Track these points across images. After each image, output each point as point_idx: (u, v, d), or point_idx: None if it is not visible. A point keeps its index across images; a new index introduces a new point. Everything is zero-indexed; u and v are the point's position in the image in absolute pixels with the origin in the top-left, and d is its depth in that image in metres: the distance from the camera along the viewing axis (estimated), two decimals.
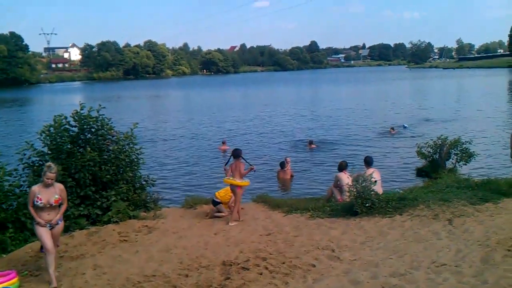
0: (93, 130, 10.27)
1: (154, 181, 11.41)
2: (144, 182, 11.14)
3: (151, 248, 8.45)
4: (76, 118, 10.12)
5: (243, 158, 10.43)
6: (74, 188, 9.50)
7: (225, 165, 10.69)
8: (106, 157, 10.18)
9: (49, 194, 6.93)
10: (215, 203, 11.12)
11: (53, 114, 10.29)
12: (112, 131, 10.49)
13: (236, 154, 10.38)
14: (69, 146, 9.89)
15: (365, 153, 15.60)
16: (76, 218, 9.51)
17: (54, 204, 6.97)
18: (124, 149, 10.51)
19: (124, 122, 24.22)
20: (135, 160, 10.79)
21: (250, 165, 10.47)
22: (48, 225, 6.96)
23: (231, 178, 10.31)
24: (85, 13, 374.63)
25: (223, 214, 10.99)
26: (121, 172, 10.43)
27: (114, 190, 10.07)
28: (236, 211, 10.35)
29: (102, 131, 10.29)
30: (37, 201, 6.85)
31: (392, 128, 25.54)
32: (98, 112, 10.35)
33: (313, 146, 21.65)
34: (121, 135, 10.64)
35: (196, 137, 26.32)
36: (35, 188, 6.98)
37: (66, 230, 9.08)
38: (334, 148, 21.47)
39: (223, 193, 11.17)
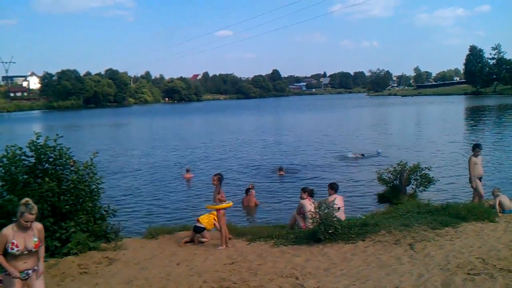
0: (50, 159, 10.04)
1: (115, 211, 11.18)
2: (104, 212, 10.90)
3: (111, 280, 8.24)
4: (32, 148, 9.89)
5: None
6: None
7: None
8: (65, 187, 9.95)
9: (27, 237, 5.71)
10: (199, 229, 11.02)
11: (5, 144, 10.05)
12: (71, 160, 10.29)
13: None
14: (25, 177, 9.63)
15: (330, 180, 15.74)
16: None
17: (33, 250, 5.77)
18: (84, 179, 10.30)
19: (84, 151, 23.82)
20: (95, 189, 10.58)
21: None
22: (23, 274, 5.76)
23: (213, 204, 10.40)
24: (45, 41, 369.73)
25: (205, 239, 10.94)
26: (80, 202, 10.19)
27: (73, 221, 9.82)
28: (224, 234, 10.38)
29: (60, 160, 10.08)
30: (12, 248, 5.61)
31: (362, 154, 25.99)
32: (55, 141, 10.15)
33: (282, 172, 21.71)
34: (80, 164, 10.44)
35: (159, 165, 26.01)
36: (8, 231, 5.67)
37: None
38: (302, 176, 21.49)
39: (206, 219, 11.15)
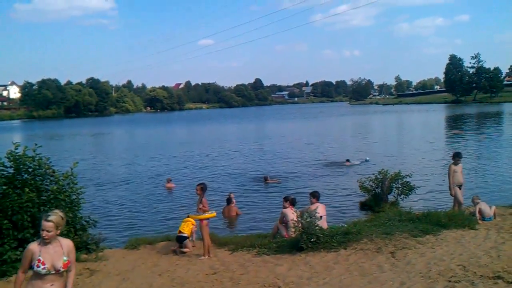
0: (30, 170, 9.91)
1: (95, 221, 11.03)
2: (85, 223, 10.75)
3: None
4: (10, 158, 9.75)
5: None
6: (11, 231, 9.06)
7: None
8: (45, 197, 9.82)
9: (55, 255, 4.91)
10: (182, 239, 10.96)
11: None
12: (50, 170, 10.16)
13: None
14: (4, 187, 9.48)
15: (314, 188, 15.76)
16: (14, 262, 9.05)
17: (61, 270, 4.94)
18: (64, 189, 10.18)
19: (65, 161, 23.58)
20: (76, 200, 10.45)
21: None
22: None
23: (196, 214, 10.36)
24: (25, 50, 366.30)
25: (187, 249, 10.90)
26: None
27: None
28: (207, 244, 10.30)
29: (40, 170, 9.96)
30: (37, 266, 4.81)
31: (348, 160, 26.16)
32: (34, 151, 10.03)
33: (268, 181, 21.73)
34: (60, 174, 10.31)
35: (141, 175, 25.81)
36: (34, 246, 4.90)
37: (3, 274, 8.65)
38: (287, 184, 21.48)
39: (186, 228, 11.11)
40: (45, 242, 4.89)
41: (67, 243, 5.07)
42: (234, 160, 31.57)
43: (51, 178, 10.12)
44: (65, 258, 4.93)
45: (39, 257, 4.82)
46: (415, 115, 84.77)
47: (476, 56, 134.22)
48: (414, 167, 22.76)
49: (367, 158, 27.32)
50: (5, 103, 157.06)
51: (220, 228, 14.39)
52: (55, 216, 4.96)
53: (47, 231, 4.87)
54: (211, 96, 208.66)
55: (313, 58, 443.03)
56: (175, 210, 16.93)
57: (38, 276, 4.84)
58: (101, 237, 11.37)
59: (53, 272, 4.86)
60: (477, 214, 12.00)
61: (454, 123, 59.34)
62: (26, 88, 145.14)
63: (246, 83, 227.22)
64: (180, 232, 11.15)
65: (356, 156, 28.83)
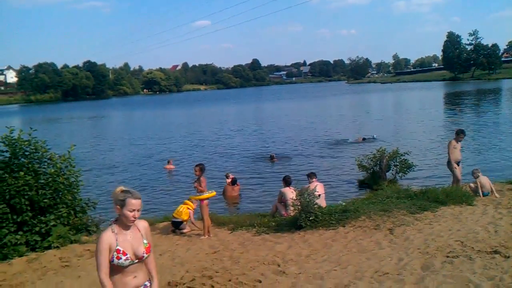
0: (26, 153, 9.91)
1: (95, 203, 11.09)
2: (84, 205, 10.81)
3: (94, 273, 7.95)
4: (6, 142, 9.74)
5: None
6: (9, 215, 9.10)
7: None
8: (43, 181, 9.84)
9: (134, 240, 4.04)
10: (177, 224, 10.99)
11: None
12: (48, 153, 10.16)
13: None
14: (0, 172, 9.49)
15: (317, 167, 15.73)
16: (14, 245, 9.11)
17: (145, 256, 4.07)
18: (62, 172, 10.19)
19: (63, 145, 23.57)
20: (75, 182, 10.48)
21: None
22: None
23: (196, 195, 10.36)
24: (20, 34, 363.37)
25: (187, 230, 10.96)
26: (60, 195, 10.08)
27: (53, 215, 9.71)
28: (207, 224, 10.33)
29: (37, 154, 9.96)
30: (118, 258, 3.91)
31: (363, 138, 26.49)
32: (30, 135, 10.01)
33: (275, 160, 21.81)
34: (57, 157, 10.30)
35: (140, 157, 25.88)
36: (108, 235, 3.94)
37: (4, 258, 8.71)
38: (293, 161, 21.69)
39: (182, 211, 11.11)
40: (126, 227, 4.01)
41: (143, 224, 4.20)
42: (236, 139, 31.75)
43: (49, 161, 10.13)
44: (145, 242, 4.09)
45: (118, 247, 3.92)
46: (413, 93, 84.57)
47: (474, 33, 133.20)
48: (411, 144, 22.82)
49: (375, 135, 27.43)
50: (2, 88, 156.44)
51: (223, 208, 14.47)
52: (140, 194, 4.09)
53: (137, 210, 4.00)
54: (209, 78, 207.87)
55: (310, 38, 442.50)
56: (175, 191, 17.00)
57: (118, 269, 3.96)
58: (101, 219, 11.44)
59: (136, 261, 4.01)
60: (480, 189, 12.01)
61: (453, 100, 59.18)
62: (22, 73, 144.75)
63: (244, 64, 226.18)
64: (174, 217, 11.17)
65: (362, 133, 28.80)
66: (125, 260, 3.91)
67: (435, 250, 7.59)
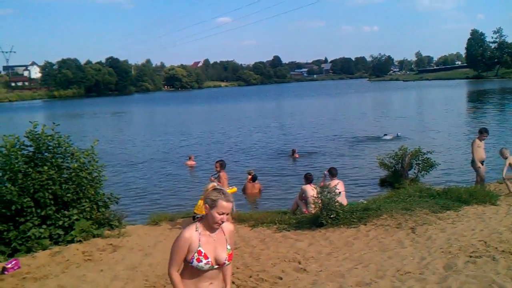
0: (50, 148, 10.05)
1: (117, 198, 11.20)
2: (107, 200, 10.93)
3: (116, 267, 8.27)
4: (30, 137, 9.89)
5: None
6: (33, 208, 9.25)
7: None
8: (66, 175, 9.96)
9: (218, 245, 3.74)
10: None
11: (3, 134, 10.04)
12: (71, 148, 10.28)
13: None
14: (24, 166, 9.61)
15: (339, 164, 15.61)
16: (38, 239, 9.25)
17: (227, 263, 3.78)
18: (85, 167, 10.31)
19: (86, 139, 23.85)
20: (97, 177, 10.59)
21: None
22: None
23: None
24: (44, 30, 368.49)
25: None
26: (83, 190, 10.20)
27: (76, 209, 9.84)
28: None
29: (60, 149, 10.09)
30: (198, 260, 3.62)
31: (385, 134, 26.69)
32: (53, 130, 10.15)
33: (296, 155, 21.79)
34: (80, 152, 10.41)
35: (162, 153, 26.05)
36: (191, 233, 3.68)
37: (28, 250, 8.85)
38: (315, 158, 21.63)
39: (201, 206, 11.14)
40: (211, 229, 3.73)
41: (229, 228, 3.88)
42: (257, 136, 31.74)
43: (72, 156, 10.25)
44: (229, 248, 3.78)
45: (200, 248, 3.62)
46: (436, 91, 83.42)
47: (498, 31, 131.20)
48: (435, 143, 22.56)
49: (399, 133, 27.23)
50: (26, 83, 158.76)
51: (244, 204, 14.51)
52: (231, 195, 3.79)
53: (227, 214, 3.71)
54: (230, 74, 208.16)
55: (331, 35, 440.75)
56: (196, 187, 17.05)
57: (195, 273, 3.67)
58: (124, 214, 11.55)
59: (216, 267, 3.70)
60: (504, 170, 11.91)
61: (477, 98, 58.33)
62: (46, 68, 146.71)
63: (265, 61, 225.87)
64: (194, 213, 11.18)
65: (387, 131, 28.61)
66: (205, 264, 3.62)
67: (457, 250, 7.50)
